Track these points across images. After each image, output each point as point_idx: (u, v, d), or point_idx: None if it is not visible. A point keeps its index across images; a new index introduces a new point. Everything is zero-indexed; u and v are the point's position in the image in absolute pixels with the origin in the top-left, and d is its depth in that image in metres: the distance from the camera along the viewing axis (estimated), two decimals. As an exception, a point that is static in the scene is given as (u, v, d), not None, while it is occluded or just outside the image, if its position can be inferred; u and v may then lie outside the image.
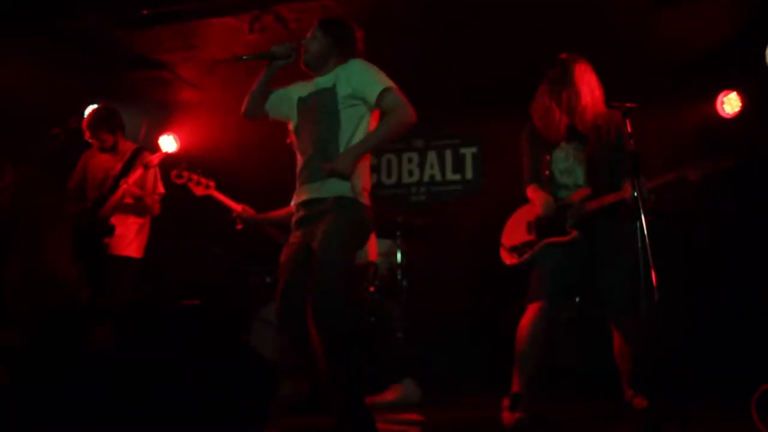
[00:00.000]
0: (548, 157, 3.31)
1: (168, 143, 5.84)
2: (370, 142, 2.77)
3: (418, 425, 3.29)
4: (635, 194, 2.71)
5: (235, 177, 5.51)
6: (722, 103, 4.88)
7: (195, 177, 4.05)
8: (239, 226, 3.98)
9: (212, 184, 4.08)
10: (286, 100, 2.99)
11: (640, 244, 2.62)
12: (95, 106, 4.79)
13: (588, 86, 3.19)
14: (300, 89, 2.97)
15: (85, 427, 1.95)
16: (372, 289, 4.92)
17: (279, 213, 3.93)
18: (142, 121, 5.43)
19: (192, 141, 5.90)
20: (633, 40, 4.54)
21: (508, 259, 3.41)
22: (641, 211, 2.67)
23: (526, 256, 3.30)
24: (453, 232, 5.62)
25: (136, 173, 4.18)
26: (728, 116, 4.87)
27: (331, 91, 2.81)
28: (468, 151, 5.85)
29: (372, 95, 2.76)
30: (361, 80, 2.78)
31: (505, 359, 4.76)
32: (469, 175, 5.84)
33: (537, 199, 3.30)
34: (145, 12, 4.24)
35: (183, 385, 2.04)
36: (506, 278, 5.01)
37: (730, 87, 4.85)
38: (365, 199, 2.85)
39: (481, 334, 5.05)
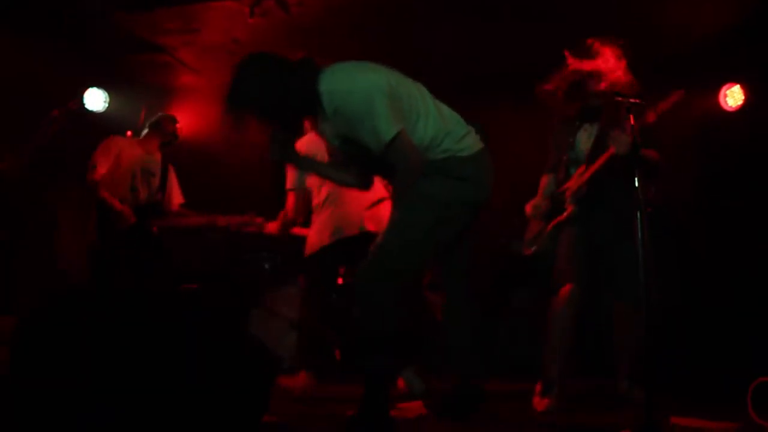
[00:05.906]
0: (571, 140, 3.31)
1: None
2: None
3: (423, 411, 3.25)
4: (636, 187, 2.70)
5: (233, 161, 5.51)
6: (725, 96, 4.85)
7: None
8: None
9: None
10: None
11: (639, 237, 2.62)
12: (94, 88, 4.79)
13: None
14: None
15: (78, 416, 1.95)
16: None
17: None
18: (141, 105, 5.41)
19: (191, 125, 5.88)
20: (634, 31, 4.50)
21: (526, 250, 3.49)
22: (641, 203, 2.66)
23: (538, 244, 3.38)
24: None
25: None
26: (731, 109, 4.84)
27: (353, 144, 2.57)
28: (468, 141, 5.81)
29: (377, 148, 2.46)
30: (364, 135, 2.45)
31: (506, 352, 4.75)
32: (469, 164, 5.80)
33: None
34: (145, -6, 4.22)
35: (181, 372, 2.04)
36: (506, 270, 5.03)
37: (734, 80, 4.82)
38: (450, 152, 2.68)
39: (482, 326, 5.05)
